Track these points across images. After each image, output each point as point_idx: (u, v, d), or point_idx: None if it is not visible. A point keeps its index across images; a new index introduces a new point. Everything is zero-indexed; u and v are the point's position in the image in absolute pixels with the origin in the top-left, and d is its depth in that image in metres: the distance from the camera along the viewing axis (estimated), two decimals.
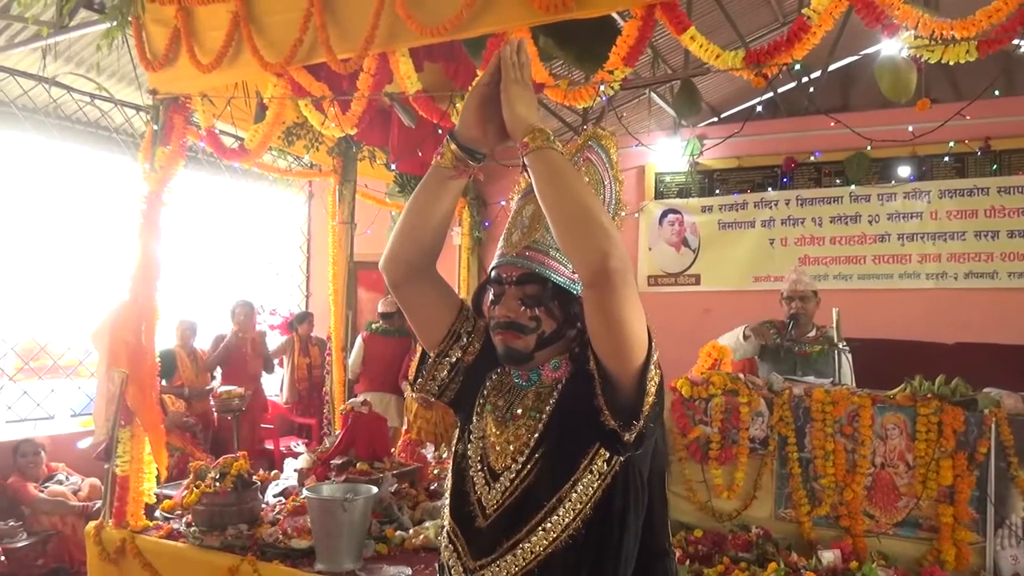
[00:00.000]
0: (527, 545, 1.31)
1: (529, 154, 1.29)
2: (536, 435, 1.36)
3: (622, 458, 1.31)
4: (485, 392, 1.48)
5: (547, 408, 1.38)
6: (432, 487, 3.83)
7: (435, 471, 4.09)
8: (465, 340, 1.49)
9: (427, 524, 3.21)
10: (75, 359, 6.20)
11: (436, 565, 1.58)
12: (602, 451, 1.31)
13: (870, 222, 5.73)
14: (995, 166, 5.41)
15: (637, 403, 1.27)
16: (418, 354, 1.55)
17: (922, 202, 5.60)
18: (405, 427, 6.29)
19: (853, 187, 5.75)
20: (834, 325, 3.34)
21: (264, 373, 6.53)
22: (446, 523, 1.45)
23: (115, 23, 3.48)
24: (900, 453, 2.68)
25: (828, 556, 2.52)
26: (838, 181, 5.83)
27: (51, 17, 4.01)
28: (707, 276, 6.09)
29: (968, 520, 2.56)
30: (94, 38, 4.31)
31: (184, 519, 3.27)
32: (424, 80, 2.92)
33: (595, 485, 1.30)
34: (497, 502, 1.36)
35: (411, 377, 1.58)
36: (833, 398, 2.76)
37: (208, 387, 6.00)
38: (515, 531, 1.32)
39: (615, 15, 2.93)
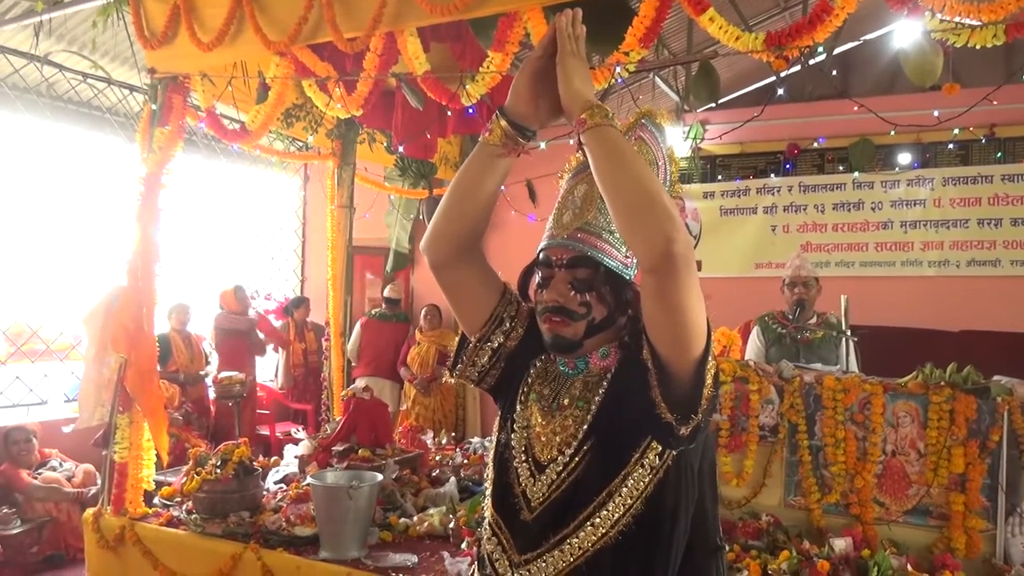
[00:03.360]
0: (575, 540, 1.26)
1: (586, 131, 1.23)
2: (585, 426, 1.30)
3: (674, 452, 1.26)
4: (529, 380, 1.41)
5: (596, 398, 1.32)
6: (434, 474, 3.81)
7: (436, 457, 4.07)
8: (508, 325, 1.43)
9: (431, 511, 3.18)
10: (68, 343, 6.12)
11: (476, 555, 1.53)
12: (654, 444, 1.25)
13: (873, 209, 5.71)
14: (999, 154, 5.39)
15: (695, 395, 1.21)
16: (457, 339, 1.49)
17: (925, 189, 5.58)
18: (404, 409, 6.30)
19: (856, 174, 5.72)
20: (842, 312, 3.31)
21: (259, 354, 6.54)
22: (488, 514, 1.40)
23: None
24: (911, 441, 2.67)
25: (840, 544, 2.51)
26: (841, 168, 5.80)
27: None
28: (708, 262, 6.05)
29: (979, 508, 2.55)
30: (88, 15, 4.22)
31: (184, 506, 3.24)
32: (430, 61, 2.86)
33: (646, 479, 1.25)
34: (543, 495, 1.31)
35: (449, 363, 1.52)
36: (844, 386, 2.74)
37: (203, 372, 5.94)
38: (562, 526, 1.27)
39: None
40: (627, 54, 2.39)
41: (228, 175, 7.07)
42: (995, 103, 2.99)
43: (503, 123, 1.35)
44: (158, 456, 3.44)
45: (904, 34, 3.08)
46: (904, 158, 5.65)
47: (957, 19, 2.02)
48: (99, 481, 4.65)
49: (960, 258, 5.47)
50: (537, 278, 1.39)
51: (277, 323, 6.93)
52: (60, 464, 5.08)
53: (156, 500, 3.41)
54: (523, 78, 1.35)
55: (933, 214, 5.57)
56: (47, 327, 5.88)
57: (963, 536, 2.54)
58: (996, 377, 2.71)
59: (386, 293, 6.62)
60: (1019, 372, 2.76)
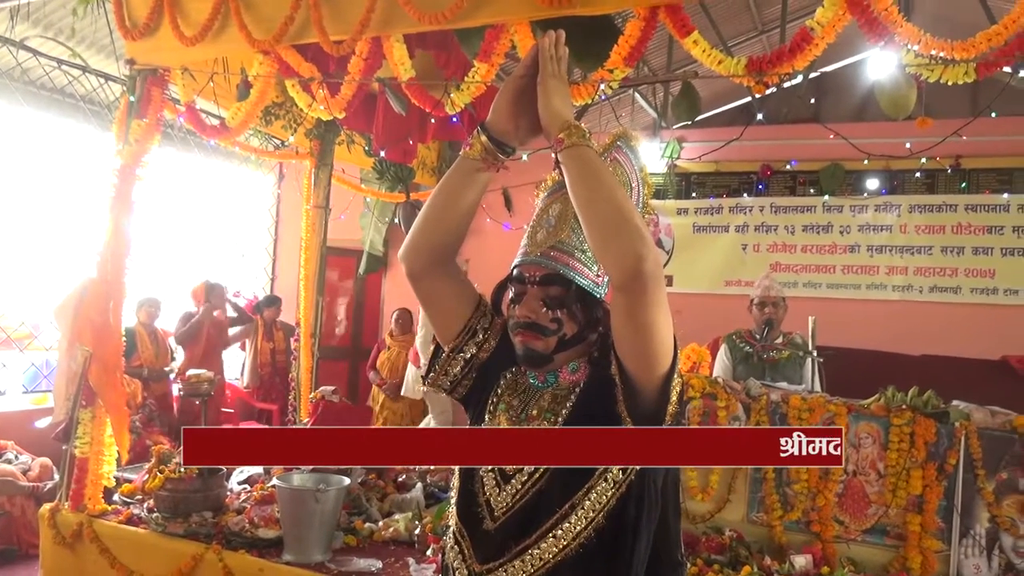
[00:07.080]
0: (536, 551, 1.27)
1: (563, 151, 1.26)
2: None
3: (637, 467, 1.28)
4: (499, 391, 1.44)
5: (564, 411, 1.34)
6: (400, 479, 3.80)
7: None
8: (481, 336, 1.45)
9: (397, 517, 3.18)
10: (28, 332, 5.97)
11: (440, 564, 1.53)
12: None
13: (841, 232, 5.85)
14: (964, 184, 5.56)
15: (659, 411, 1.25)
16: (432, 348, 1.51)
17: (892, 215, 5.73)
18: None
19: (827, 197, 5.86)
20: (810, 333, 3.38)
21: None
22: (452, 523, 1.41)
23: None
24: (872, 462, 2.74)
25: (800, 561, 2.56)
26: (812, 191, 5.94)
27: None
28: (679, 278, 6.13)
29: (935, 529, 2.63)
30: (67, 1, 4.15)
31: (145, 504, 3.19)
32: (414, 67, 2.87)
33: (609, 493, 1.27)
34: (507, 505, 1.32)
35: (423, 371, 1.54)
36: (810, 405, 2.80)
37: (167, 368, 5.84)
38: (524, 536, 1.29)
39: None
40: (611, 71, 2.42)
41: (201, 169, 6.98)
42: (963, 137, 3.09)
43: (483, 139, 1.37)
44: (118, 452, 3.38)
45: (879, 65, 3.17)
46: (873, 184, 5.80)
47: (932, 52, 2.08)
48: (56, 476, 4.55)
49: (923, 284, 5.63)
50: (510, 293, 1.41)
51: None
52: (16, 457, 4.95)
53: (116, 497, 3.34)
54: (505, 96, 1.37)
55: (899, 240, 5.72)
56: (7, 315, 5.73)
57: (919, 556, 2.61)
58: (955, 402, 2.79)
59: None
60: (976, 397, 2.84)
